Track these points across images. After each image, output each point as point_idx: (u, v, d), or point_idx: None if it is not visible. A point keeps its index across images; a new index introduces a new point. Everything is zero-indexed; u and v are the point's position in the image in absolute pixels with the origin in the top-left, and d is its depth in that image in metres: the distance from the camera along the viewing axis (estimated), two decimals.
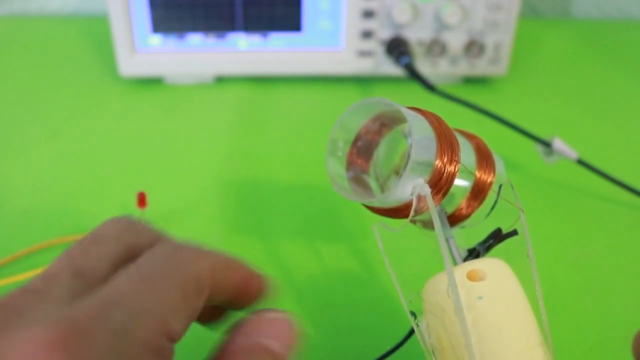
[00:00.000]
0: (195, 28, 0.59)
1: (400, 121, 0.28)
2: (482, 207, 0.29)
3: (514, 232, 0.28)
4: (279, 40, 0.61)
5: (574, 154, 0.48)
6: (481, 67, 0.61)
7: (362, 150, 0.29)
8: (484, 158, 0.29)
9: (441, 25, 0.59)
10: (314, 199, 0.48)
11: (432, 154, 0.26)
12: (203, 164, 0.51)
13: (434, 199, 0.26)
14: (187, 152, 0.53)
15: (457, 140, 0.27)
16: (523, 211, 0.28)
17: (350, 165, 0.29)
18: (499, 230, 0.29)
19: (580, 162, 0.48)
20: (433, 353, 0.26)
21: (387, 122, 0.29)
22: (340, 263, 0.41)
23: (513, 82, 0.64)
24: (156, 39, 0.60)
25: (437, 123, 0.27)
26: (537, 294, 0.26)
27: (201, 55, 0.61)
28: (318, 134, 0.55)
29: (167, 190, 0.47)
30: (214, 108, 0.59)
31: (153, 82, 0.62)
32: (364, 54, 0.61)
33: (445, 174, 0.26)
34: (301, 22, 0.60)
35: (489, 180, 0.29)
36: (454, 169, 0.26)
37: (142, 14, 0.58)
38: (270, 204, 0.47)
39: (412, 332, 0.31)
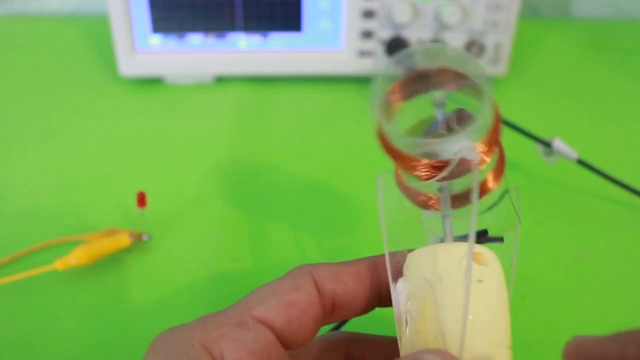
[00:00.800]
0: (195, 28, 0.59)
1: (456, 85, 0.27)
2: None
3: (499, 238, 0.28)
4: (279, 40, 0.61)
5: (574, 154, 0.48)
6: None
7: (405, 90, 0.27)
8: (501, 164, 0.28)
9: (441, 25, 0.59)
10: (314, 199, 0.48)
11: (482, 136, 0.25)
12: (203, 164, 0.51)
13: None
14: (187, 152, 0.53)
15: (500, 137, 0.26)
16: (520, 221, 0.28)
17: (387, 96, 0.27)
18: (484, 232, 0.28)
19: (580, 162, 0.48)
20: (406, 319, 0.25)
21: (441, 78, 0.27)
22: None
23: (513, 82, 0.64)
24: (156, 39, 0.60)
25: (497, 111, 0.26)
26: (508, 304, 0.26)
27: (201, 55, 0.61)
28: (318, 134, 0.55)
29: (167, 190, 0.47)
30: (214, 108, 0.59)
31: (153, 82, 0.62)
32: (364, 54, 0.61)
33: (479, 159, 0.25)
34: (301, 22, 0.60)
35: (492, 187, 0.28)
36: (487, 160, 0.26)
37: (142, 14, 0.58)
38: (271, 204, 0.47)
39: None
